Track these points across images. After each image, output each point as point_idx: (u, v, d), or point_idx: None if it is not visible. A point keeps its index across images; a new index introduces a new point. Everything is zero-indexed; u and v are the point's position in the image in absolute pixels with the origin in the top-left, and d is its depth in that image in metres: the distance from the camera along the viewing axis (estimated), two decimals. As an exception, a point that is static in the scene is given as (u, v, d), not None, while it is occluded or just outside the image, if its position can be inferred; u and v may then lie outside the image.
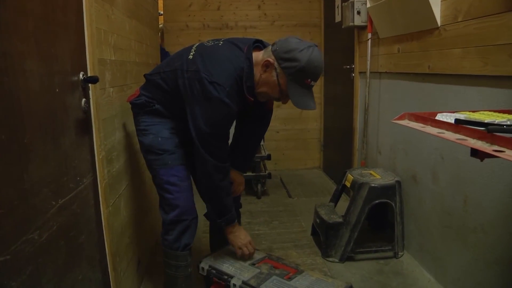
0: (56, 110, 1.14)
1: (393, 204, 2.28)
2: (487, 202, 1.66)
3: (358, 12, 2.70)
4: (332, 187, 3.68)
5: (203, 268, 1.77)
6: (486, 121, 1.00)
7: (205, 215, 1.89)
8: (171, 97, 1.62)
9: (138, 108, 1.70)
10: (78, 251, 1.25)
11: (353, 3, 2.69)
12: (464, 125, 0.99)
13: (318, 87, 4.14)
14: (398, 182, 2.29)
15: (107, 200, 1.53)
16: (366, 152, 2.91)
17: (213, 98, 1.45)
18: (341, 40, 3.46)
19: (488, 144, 0.88)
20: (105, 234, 1.51)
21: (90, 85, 1.39)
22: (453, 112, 1.20)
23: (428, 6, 1.88)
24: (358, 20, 2.72)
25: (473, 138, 0.94)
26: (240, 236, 1.75)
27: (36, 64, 1.04)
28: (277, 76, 1.47)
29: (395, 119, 1.27)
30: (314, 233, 2.64)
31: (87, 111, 1.37)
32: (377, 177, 2.35)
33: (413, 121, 1.23)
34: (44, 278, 0.99)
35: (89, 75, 1.38)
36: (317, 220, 2.47)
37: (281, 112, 4.16)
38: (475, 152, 0.90)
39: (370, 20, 2.63)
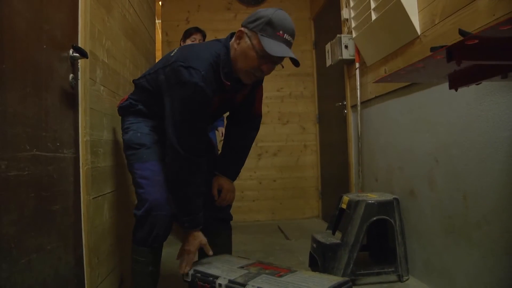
0: (40, 63, 1.15)
1: (393, 222, 2.17)
2: (486, 192, 1.58)
3: (346, 47, 2.84)
4: (331, 230, 3.52)
5: (187, 274, 1.63)
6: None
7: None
8: (154, 97, 1.65)
9: (124, 110, 1.75)
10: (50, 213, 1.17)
11: (340, 38, 2.84)
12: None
13: (313, 135, 4.18)
14: (396, 199, 2.21)
15: (88, 186, 1.47)
16: (362, 181, 2.85)
17: (187, 83, 1.44)
18: (332, 80, 3.58)
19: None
20: (83, 221, 1.42)
21: (80, 66, 1.42)
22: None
23: (406, 17, 1.99)
24: (346, 54, 2.85)
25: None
26: (191, 243, 1.62)
27: (25, 6, 1.07)
28: (249, 39, 1.47)
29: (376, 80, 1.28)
30: (312, 264, 2.47)
31: (74, 87, 1.38)
32: (374, 196, 2.27)
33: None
34: None
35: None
36: (314, 245, 2.33)
37: (277, 160, 4.16)
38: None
39: (357, 50, 2.77)
